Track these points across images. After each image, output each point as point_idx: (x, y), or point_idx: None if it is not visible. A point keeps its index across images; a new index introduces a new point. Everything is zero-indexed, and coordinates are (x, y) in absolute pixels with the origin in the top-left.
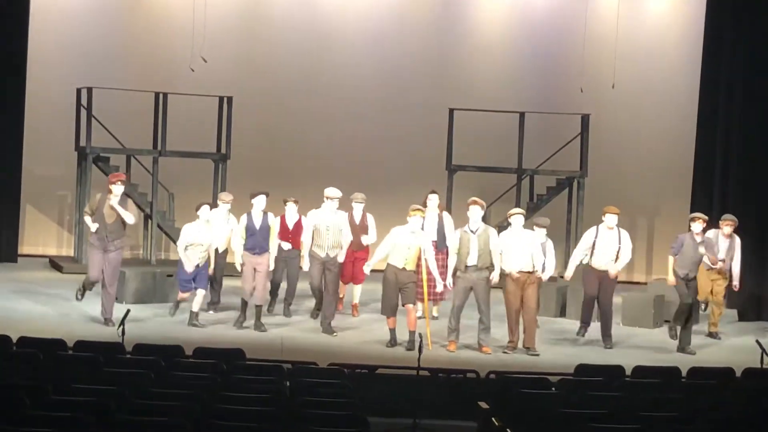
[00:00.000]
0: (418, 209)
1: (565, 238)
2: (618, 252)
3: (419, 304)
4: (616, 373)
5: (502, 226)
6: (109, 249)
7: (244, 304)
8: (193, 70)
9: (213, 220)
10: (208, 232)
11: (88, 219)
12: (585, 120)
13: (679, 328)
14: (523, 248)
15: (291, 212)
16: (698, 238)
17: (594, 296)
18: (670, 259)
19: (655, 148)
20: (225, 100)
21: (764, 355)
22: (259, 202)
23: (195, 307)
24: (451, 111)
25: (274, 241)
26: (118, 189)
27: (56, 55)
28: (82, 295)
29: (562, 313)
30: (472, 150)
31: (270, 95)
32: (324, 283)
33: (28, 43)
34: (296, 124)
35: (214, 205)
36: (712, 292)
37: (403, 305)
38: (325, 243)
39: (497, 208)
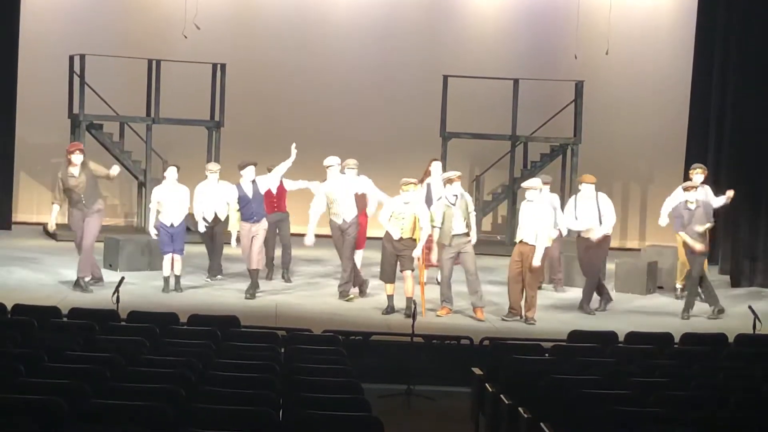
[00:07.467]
0: (411, 183)
1: (560, 206)
2: (600, 217)
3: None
4: (609, 339)
5: (495, 194)
6: (88, 215)
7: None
8: (186, 37)
9: (206, 192)
10: (178, 192)
11: (54, 209)
12: (579, 87)
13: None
14: (535, 220)
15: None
16: (692, 207)
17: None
18: (682, 235)
19: (649, 114)
20: (218, 67)
21: (757, 320)
22: (248, 173)
23: (177, 271)
24: (445, 78)
25: None
26: (77, 158)
27: (49, 21)
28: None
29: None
30: (466, 117)
31: (263, 62)
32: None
33: (21, 9)
34: (290, 91)
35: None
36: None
37: (401, 272)
38: (340, 210)
39: (491, 175)
